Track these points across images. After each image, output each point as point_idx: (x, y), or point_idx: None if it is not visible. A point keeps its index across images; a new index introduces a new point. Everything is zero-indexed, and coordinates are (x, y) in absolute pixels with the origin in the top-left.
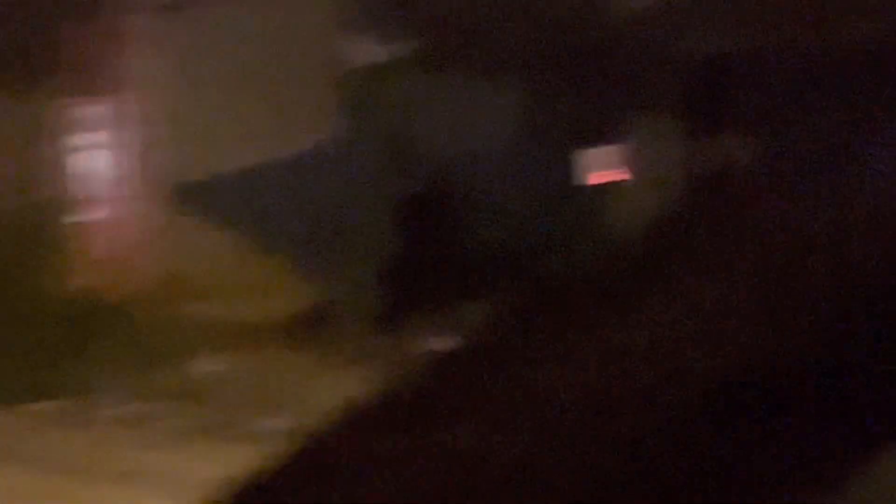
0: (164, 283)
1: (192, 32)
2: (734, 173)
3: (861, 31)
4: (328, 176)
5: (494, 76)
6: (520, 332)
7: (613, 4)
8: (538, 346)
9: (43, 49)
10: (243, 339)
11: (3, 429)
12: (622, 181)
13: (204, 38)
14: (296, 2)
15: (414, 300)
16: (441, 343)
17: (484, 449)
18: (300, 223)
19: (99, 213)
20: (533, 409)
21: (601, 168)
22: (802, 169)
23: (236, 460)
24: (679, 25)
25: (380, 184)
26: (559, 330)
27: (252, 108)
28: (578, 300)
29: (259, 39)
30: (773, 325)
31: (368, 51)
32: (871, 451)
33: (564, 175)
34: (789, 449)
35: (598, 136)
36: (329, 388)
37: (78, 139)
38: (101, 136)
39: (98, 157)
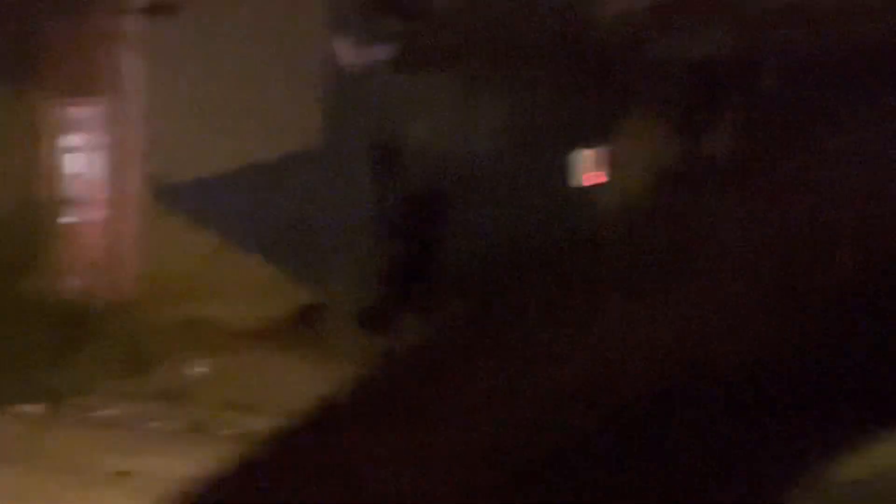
0: (152, 285)
1: (180, 36)
2: (714, 172)
3: (852, 32)
4: (315, 178)
5: (483, 79)
6: (491, 330)
7: (600, 10)
8: (513, 343)
9: (32, 51)
10: (231, 340)
11: None
12: (606, 182)
13: (192, 42)
14: (284, 6)
15: (401, 302)
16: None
17: (454, 446)
18: (287, 225)
19: (87, 215)
20: (505, 405)
21: (588, 170)
22: (792, 168)
23: (225, 460)
24: (666, 30)
25: (367, 186)
26: (539, 326)
27: (240, 110)
28: (564, 295)
29: (247, 43)
30: (767, 321)
31: (356, 53)
32: (850, 441)
33: (553, 176)
34: (776, 442)
35: (586, 139)
36: (316, 389)
37: (66, 140)
38: (89, 138)
39: (87, 159)
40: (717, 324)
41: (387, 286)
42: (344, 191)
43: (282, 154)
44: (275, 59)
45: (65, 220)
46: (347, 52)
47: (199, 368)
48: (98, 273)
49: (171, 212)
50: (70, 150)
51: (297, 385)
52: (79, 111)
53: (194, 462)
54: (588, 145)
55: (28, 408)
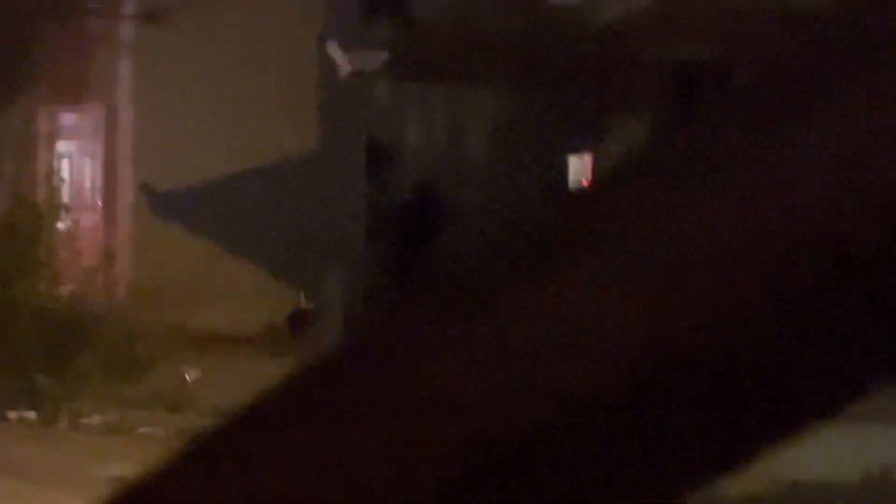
0: (144, 291)
1: (175, 43)
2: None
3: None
4: (308, 183)
5: (476, 85)
6: (460, 322)
7: (591, 17)
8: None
9: (27, 58)
10: (223, 345)
11: None
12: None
13: (187, 48)
14: (279, 12)
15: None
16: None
17: (419, 440)
18: (279, 231)
19: (80, 222)
20: (473, 399)
21: (579, 175)
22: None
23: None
24: (655, 35)
25: (360, 190)
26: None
27: (234, 116)
28: (537, 288)
29: (241, 49)
30: (737, 315)
31: (351, 59)
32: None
33: (545, 181)
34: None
35: (577, 144)
36: None
37: (60, 147)
38: (83, 145)
39: (81, 165)
40: (688, 316)
41: (378, 293)
42: (337, 196)
43: (275, 160)
44: (269, 65)
45: (58, 225)
46: (342, 58)
47: (191, 374)
48: (91, 279)
49: (164, 218)
50: (64, 156)
51: None
52: (73, 118)
53: None
54: (580, 151)
55: (20, 414)
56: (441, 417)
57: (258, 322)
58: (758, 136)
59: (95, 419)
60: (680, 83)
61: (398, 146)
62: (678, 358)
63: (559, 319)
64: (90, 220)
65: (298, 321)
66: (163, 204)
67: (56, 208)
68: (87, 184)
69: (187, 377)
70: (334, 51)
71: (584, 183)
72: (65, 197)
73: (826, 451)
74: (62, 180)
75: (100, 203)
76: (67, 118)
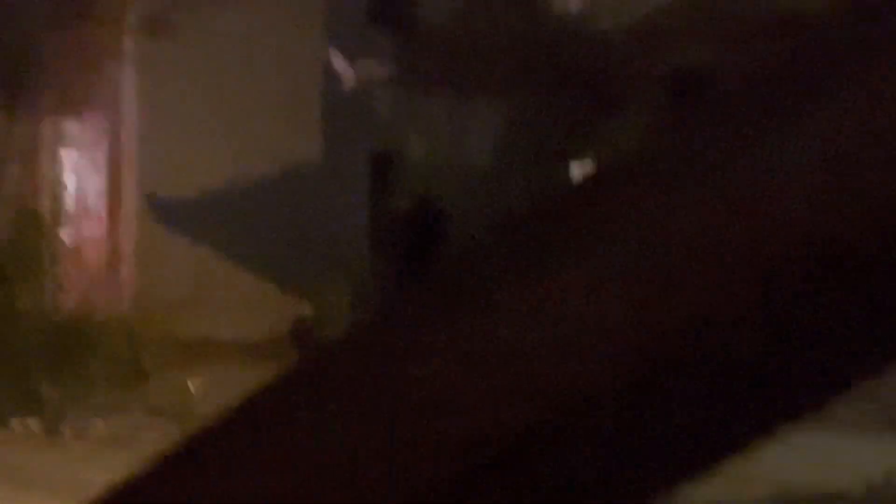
0: (147, 300)
1: (178, 53)
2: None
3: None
4: (311, 193)
5: (483, 95)
6: (450, 320)
7: (588, 26)
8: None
9: (30, 67)
10: (226, 355)
11: None
12: None
13: (190, 59)
14: (281, 22)
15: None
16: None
17: (407, 440)
18: (283, 241)
19: (84, 231)
20: (462, 399)
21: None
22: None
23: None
24: (654, 44)
25: (363, 200)
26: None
27: (237, 126)
28: (527, 289)
29: (244, 59)
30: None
31: (353, 68)
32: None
33: (548, 190)
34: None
35: (580, 152)
36: None
37: (63, 156)
38: (86, 154)
39: (84, 174)
40: (681, 316)
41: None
42: (340, 205)
43: (279, 170)
44: (273, 75)
45: (62, 235)
46: (345, 68)
47: (194, 383)
48: (94, 288)
49: (167, 227)
50: (68, 165)
51: None
52: (76, 127)
53: None
54: (581, 158)
55: (24, 423)
56: (437, 418)
57: (262, 332)
58: (750, 139)
59: (99, 428)
60: (680, 90)
61: (402, 156)
62: (672, 358)
63: (554, 320)
64: (94, 229)
65: (302, 331)
66: (166, 213)
67: (59, 217)
68: (91, 193)
69: (190, 386)
70: (338, 61)
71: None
72: (68, 206)
73: (829, 460)
74: (66, 189)
75: (103, 212)
76: (71, 127)
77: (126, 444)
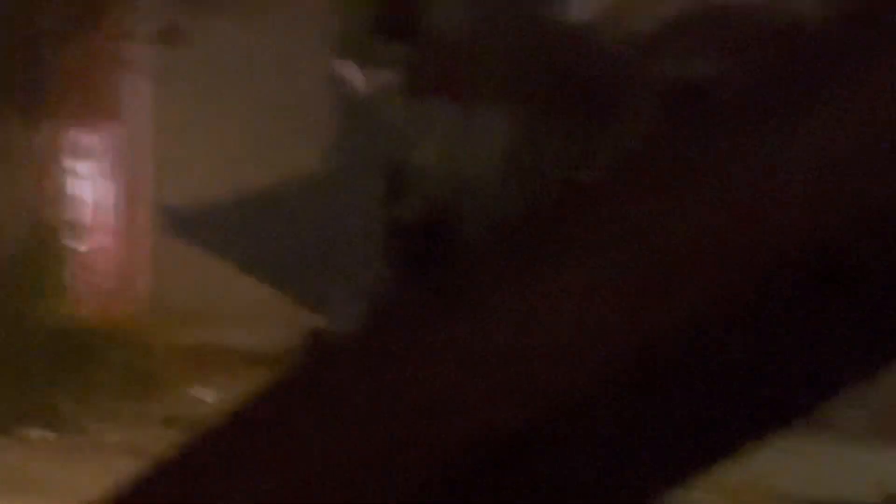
0: (159, 311)
1: (189, 62)
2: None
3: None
4: (322, 203)
5: (490, 104)
6: (443, 320)
7: (600, 34)
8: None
9: (41, 76)
10: (239, 366)
11: (2, 456)
12: None
13: (200, 68)
14: (291, 31)
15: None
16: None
17: (399, 442)
18: (294, 251)
19: (95, 241)
20: (454, 400)
21: None
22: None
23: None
24: (663, 54)
25: (374, 210)
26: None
27: (248, 135)
28: (521, 291)
29: (255, 68)
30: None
31: (363, 78)
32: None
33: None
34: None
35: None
36: None
37: (74, 166)
38: (97, 164)
39: (95, 184)
40: (674, 318)
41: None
42: (351, 215)
43: (290, 179)
44: (283, 85)
45: (73, 245)
46: (354, 77)
47: (206, 394)
48: (106, 298)
49: (181, 238)
50: (78, 175)
51: None
52: (87, 137)
53: None
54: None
55: (34, 433)
56: (436, 418)
57: (275, 342)
58: (746, 143)
59: (113, 437)
60: (680, 99)
61: (414, 167)
62: (667, 359)
63: (551, 323)
64: (107, 239)
65: (315, 341)
66: (180, 223)
67: (73, 227)
68: (105, 203)
69: (204, 396)
70: (349, 69)
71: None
72: (82, 216)
73: (845, 472)
74: (79, 199)
75: (118, 223)
76: (86, 138)
77: (140, 454)
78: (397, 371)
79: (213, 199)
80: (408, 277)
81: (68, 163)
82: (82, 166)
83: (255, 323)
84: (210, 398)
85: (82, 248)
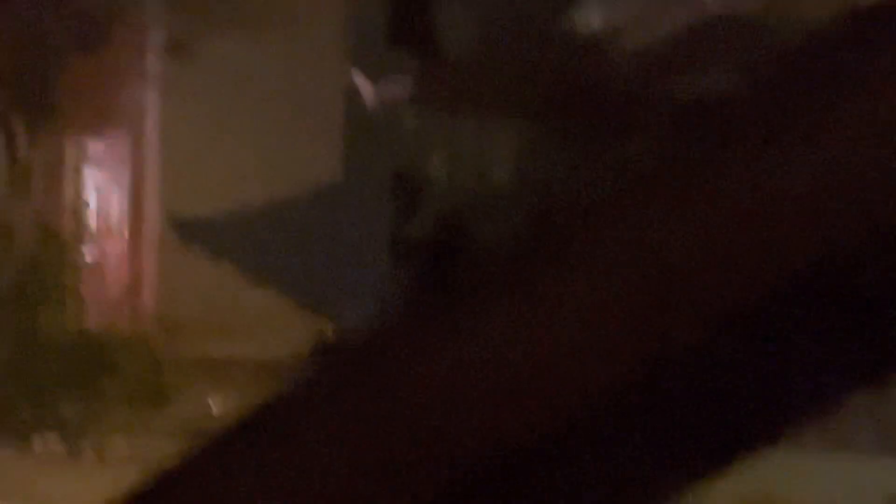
0: (171, 321)
1: (200, 73)
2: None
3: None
4: (332, 215)
5: (502, 117)
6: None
7: (615, 45)
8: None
9: (53, 87)
10: (251, 376)
11: (13, 467)
12: None
13: (212, 79)
14: (301, 43)
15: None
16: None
17: (400, 448)
18: (304, 261)
19: (107, 251)
20: (459, 406)
21: None
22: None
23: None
24: (679, 64)
25: (385, 223)
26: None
27: (259, 146)
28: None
29: (266, 79)
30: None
31: (376, 88)
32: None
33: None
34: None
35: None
36: None
37: (86, 176)
38: (109, 174)
39: (107, 194)
40: (678, 322)
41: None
42: (362, 226)
43: (300, 189)
44: (293, 96)
45: (82, 256)
46: (367, 88)
47: (217, 405)
48: (116, 307)
49: (190, 247)
50: (91, 185)
51: None
52: (99, 147)
53: None
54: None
55: (42, 444)
56: (439, 433)
57: (284, 351)
58: (752, 158)
59: (120, 448)
60: (696, 114)
61: (425, 178)
62: (671, 373)
63: (554, 337)
64: (116, 249)
65: (324, 351)
66: (189, 233)
67: (82, 237)
68: (114, 213)
69: (213, 406)
70: (360, 80)
71: None
72: (91, 225)
73: (856, 487)
74: (88, 208)
75: (126, 233)
76: (94, 148)
77: (149, 466)
78: (402, 383)
79: (222, 208)
80: (416, 289)
81: (77, 173)
82: (91, 177)
83: (263, 333)
84: (219, 409)
85: (91, 258)
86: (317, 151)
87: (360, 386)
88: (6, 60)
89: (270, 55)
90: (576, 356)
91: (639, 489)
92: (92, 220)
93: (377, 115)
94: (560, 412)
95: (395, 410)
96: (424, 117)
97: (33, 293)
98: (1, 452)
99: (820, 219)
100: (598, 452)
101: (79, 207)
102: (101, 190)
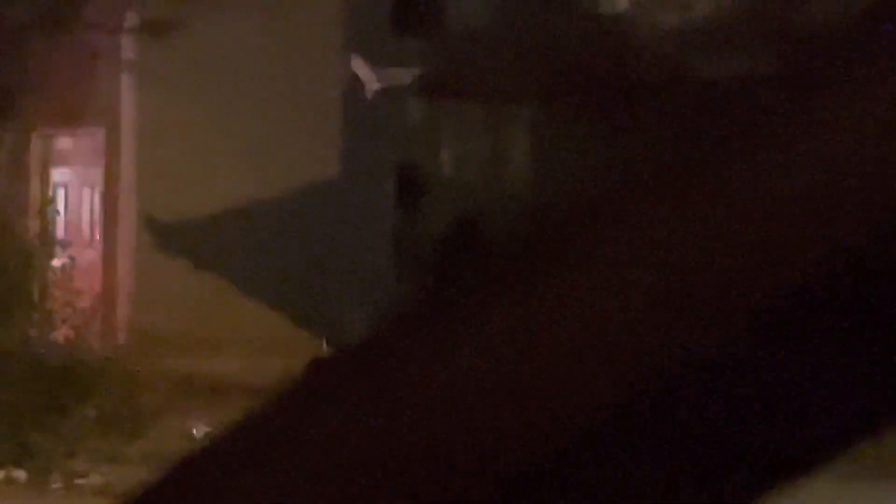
0: (147, 334)
1: (181, 58)
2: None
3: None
4: (330, 216)
5: (517, 103)
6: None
7: (637, 26)
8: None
9: (18, 77)
10: (234, 397)
11: None
12: None
13: (195, 64)
14: (295, 26)
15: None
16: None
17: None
18: (298, 267)
19: (77, 257)
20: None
21: None
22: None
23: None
24: (705, 47)
25: (390, 224)
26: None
27: (247, 139)
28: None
29: (256, 65)
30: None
31: (378, 76)
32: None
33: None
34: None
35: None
36: None
37: (55, 175)
38: (80, 172)
39: (75, 195)
40: (693, 322)
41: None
42: (363, 229)
43: (294, 188)
44: (287, 82)
45: (52, 262)
46: (368, 75)
47: (198, 428)
48: (89, 322)
49: (169, 254)
50: (59, 185)
51: None
52: (69, 142)
53: None
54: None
55: (9, 473)
56: (433, 455)
57: (273, 371)
58: (752, 146)
59: (92, 479)
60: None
61: (432, 172)
62: (682, 385)
63: (556, 348)
64: (88, 256)
65: (319, 370)
66: (168, 238)
67: (50, 243)
68: (85, 215)
69: (195, 432)
70: (360, 67)
71: None
72: (60, 230)
73: None
74: (57, 212)
75: (98, 237)
76: (63, 142)
77: (122, 497)
78: (402, 386)
79: (207, 211)
80: (420, 292)
81: (44, 171)
82: (59, 175)
83: (252, 350)
84: (201, 433)
85: (59, 266)
86: (313, 145)
87: (361, 388)
88: None
89: (261, 39)
90: (578, 359)
91: (659, 490)
92: (61, 225)
93: (379, 106)
94: (562, 417)
95: (395, 413)
96: (431, 107)
97: None
98: None
99: (824, 217)
100: (602, 467)
101: (45, 209)
102: (71, 190)
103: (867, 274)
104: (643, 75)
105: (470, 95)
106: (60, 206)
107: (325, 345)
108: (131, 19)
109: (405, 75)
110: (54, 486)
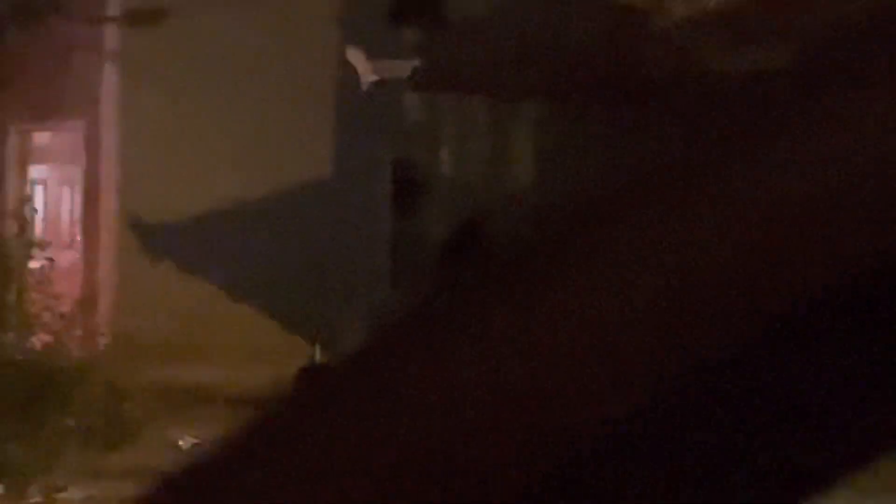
0: (129, 341)
1: (167, 49)
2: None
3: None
4: (323, 216)
5: (520, 97)
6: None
7: (653, 17)
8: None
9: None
10: (222, 407)
11: None
12: None
13: (181, 55)
14: (290, 13)
15: None
16: None
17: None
18: (288, 271)
19: (57, 259)
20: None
21: None
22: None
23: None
24: (724, 39)
25: (386, 225)
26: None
27: (236, 135)
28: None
29: (246, 56)
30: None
31: (374, 68)
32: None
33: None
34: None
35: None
36: None
37: (33, 172)
38: (60, 169)
39: (55, 194)
40: (700, 327)
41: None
42: (358, 229)
43: (285, 187)
44: (278, 75)
45: (30, 265)
46: (364, 67)
47: (182, 440)
48: (68, 326)
49: (153, 256)
50: (38, 182)
51: None
52: (48, 137)
53: None
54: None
55: None
56: (436, 430)
57: (263, 379)
58: (756, 149)
59: (72, 493)
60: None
61: (431, 170)
62: (688, 368)
63: (562, 355)
64: (67, 257)
65: (310, 377)
66: (152, 239)
67: (27, 244)
68: (65, 215)
69: (181, 444)
70: (356, 58)
71: None
72: (38, 231)
73: None
74: (35, 211)
75: (79, 238)
76: (42, 138)
77: None
78: (401, 391)
79: (192, 211)
80: (419, 295)
81: (21, 169)
82: (38, 173)
83: (240, 356)
84: (187, 444)
85: (38, 268)
86: (306, 142)
87: (359, 392)
88: None
89: (252, 29)
90: (580, 363)
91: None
92: (39, 225)
93: (375, 100)
94: (564, 421)
95: (394, 418)
96: (430, 99)
97: None
98: None
99: (830, 219)
100: (604, 472)
101: (23, 208)
102: (50, 188)
103: (879, 278)
104: (653, 70)
105: (471, 90)
106: (39, 205)
107: (317, 351)
108: (114, 8)
109: (403, 67)
110: (32, 500)
